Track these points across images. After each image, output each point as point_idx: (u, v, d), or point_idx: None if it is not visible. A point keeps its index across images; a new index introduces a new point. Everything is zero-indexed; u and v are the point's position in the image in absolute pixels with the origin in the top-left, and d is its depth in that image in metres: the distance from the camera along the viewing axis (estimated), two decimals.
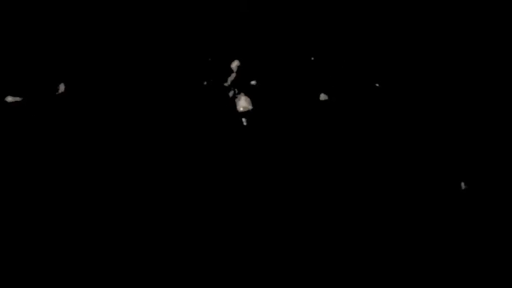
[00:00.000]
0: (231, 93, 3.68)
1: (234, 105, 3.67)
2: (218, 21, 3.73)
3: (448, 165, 3.65)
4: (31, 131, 3.64)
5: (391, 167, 3.65)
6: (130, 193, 3.58)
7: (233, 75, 3.73)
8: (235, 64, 3.71)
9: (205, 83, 3.69)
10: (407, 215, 3.59)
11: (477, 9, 3.75)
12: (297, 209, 3.59)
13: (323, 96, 3.70)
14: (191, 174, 3.61)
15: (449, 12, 3.77)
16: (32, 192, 3.55)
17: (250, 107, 3.62)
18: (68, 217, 3.54)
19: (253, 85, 3.70)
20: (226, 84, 3.70)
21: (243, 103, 3.63)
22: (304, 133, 3.68)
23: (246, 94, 3.68)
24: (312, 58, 3.74)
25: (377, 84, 3.73)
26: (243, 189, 3.60)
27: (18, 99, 3.67)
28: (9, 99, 3.67)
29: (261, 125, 3.67)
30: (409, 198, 3.61)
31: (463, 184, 3.62)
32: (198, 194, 3.59)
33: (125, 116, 3.67)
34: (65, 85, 3.72)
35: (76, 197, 3.56)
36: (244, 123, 3.62)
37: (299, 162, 3.65)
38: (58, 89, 3.71)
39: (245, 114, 3.65)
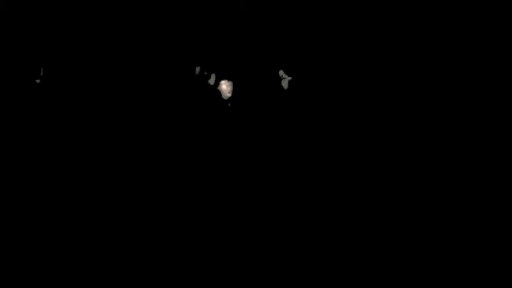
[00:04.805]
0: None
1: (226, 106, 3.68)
2: (218, 21, 3.73)
3: (446, 164, 3.66)
4: (31, 129, 3.64)
5: (385, 165, 3.66)
6: (124, 190, 3.58)
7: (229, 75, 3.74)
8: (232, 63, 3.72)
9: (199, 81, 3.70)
10: (405, 213, 3.59)
11: (477, 9, 3.76)
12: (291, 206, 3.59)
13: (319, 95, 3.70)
14: (184, 171, 3.62)
15: (449, 12, 3.78)
16: (31, 190, 3.55)
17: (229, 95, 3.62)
18: (67, 216, 3.54)
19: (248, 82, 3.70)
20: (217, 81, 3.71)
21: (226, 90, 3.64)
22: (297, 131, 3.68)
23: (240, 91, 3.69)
24: (311, 58, 3.74)
25: (375, 84, 3.73)
26: (236, 186, 3.60)
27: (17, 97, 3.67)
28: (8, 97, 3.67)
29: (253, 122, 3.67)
30: (406, 195, 3.61)
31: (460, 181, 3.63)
32: (191, 190, 3.60)
33: (121, 114, 3.67)
34: (64, 84, 3.72)
35: (75, 196, 3.56)
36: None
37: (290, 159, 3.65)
38: (56, 88, 3.72)
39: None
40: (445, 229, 3.57)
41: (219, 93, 3.71)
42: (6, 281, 3.37)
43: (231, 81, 3.72)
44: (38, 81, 3.74)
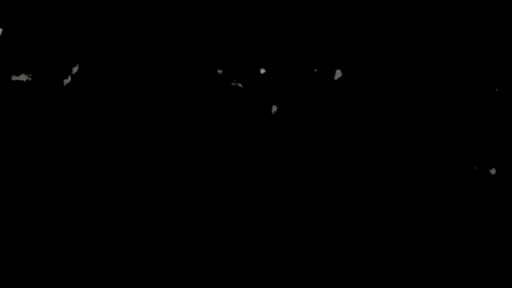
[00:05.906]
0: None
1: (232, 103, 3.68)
2: (218, 21, 3.74)
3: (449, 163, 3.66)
4: (31, 129, 3.64)
5: (392, 165, 3.66)
6: (129, 190, 3.59)
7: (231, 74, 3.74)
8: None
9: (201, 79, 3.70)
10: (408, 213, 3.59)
11: (477, 9, 3.76)
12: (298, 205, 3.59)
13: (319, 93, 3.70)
14: (190, 171, 3.62)
15: (449, 12, 3.78)
16: (31, 189, 3.56)
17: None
18: (67, 215, 3.54)
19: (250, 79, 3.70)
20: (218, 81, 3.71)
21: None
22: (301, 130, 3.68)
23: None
24: (311, 58, 3.75)
25: (377, 84, 3.73)
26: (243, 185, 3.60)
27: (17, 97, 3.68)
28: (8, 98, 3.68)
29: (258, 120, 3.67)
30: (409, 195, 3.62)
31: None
32: (196, 191, 3.60)
33: (125, 115, 3.68)
34: (64, 84, 3.73)
35: (76, 195, 3.57)
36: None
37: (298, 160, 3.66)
38: (56, 88, 3.72)
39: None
40: (444, 229, 3.58)
41: (219, 93, 3.71)
42: (6, 281, 3.38)
43: (231, 81, 3.72)
44: (38, 81, 3.74)
